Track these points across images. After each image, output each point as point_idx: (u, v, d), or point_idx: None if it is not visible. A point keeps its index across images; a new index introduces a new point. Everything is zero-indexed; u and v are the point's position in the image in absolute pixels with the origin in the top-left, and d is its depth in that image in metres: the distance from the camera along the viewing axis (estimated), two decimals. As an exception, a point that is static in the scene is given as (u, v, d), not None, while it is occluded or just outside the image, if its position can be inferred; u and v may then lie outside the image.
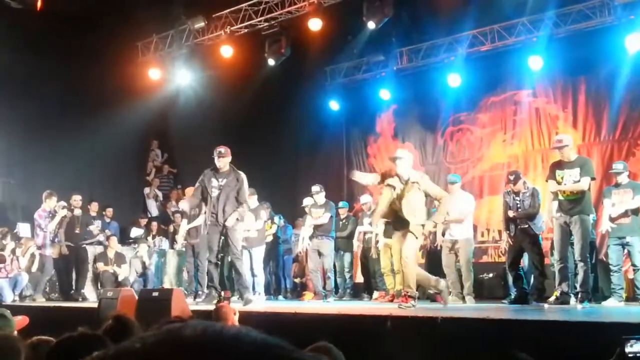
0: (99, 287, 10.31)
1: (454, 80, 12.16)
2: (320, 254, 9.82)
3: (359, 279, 11.29)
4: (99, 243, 11.16)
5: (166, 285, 11.16)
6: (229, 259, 10.70)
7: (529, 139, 11.86)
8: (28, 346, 2.91)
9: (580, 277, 7.12)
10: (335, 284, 10.39)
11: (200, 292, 9.92)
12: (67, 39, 11.16)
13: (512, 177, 8.40)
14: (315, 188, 9.85)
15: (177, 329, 0.57)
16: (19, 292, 10.01)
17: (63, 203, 10.49)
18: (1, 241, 10.24)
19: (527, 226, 8.07)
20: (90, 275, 10.82)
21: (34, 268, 10.16)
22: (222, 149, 7.75)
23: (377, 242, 9.64)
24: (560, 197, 7.29)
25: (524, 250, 8.20)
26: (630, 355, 2.66)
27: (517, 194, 8.22)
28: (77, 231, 10.60)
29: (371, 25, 10.50)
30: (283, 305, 8.81)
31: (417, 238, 7.03)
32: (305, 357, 0.58)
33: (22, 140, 11.37)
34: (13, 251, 10.18)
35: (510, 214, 8.16)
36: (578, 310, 6.71)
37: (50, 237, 10.36)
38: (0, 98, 10.93)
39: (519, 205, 8.15)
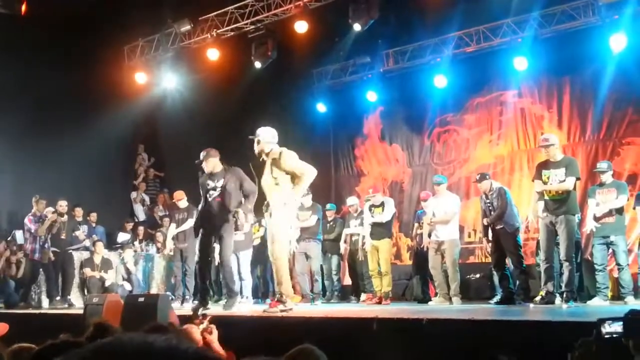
0: (86, 293, 10.25)
1: (440, 81, 12.20)
2: (307, 256, 9.82)
3: (347, 281, 11.30)
4: (85, 248, 11.11)
5: (153, 290, 11.11)
6: (217, 264, 10.71)
7: (515, 139, 11.91)
8: (9, 354, 2.90)
9: (565, 277, 7.17)
10: (322, 287, 10.38)
11: (187, 297, 9.91)
12: (52, 44, 11.13)
13: (477, 177, 8.51)
14: None
15: (110, 343, 0.58)
16: (5, 300, 9.96)
17: (52, 208, 10.45)
18: None
19: (501, 227, 8.14)
20: (76, 281, 10.76)
21: (20, 274, 10.10)
22: (205, 152, 7.69)
23: (363, 244, 9.65)
24: (546, 197, 7.34)
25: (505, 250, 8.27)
26: (606, 335, 2.78)
27: (487, 196, 8.30)
28: (63, 237, 10.54)
29: (357, 27, 10.52)
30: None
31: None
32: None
33: (9, 145, 11.30)
34: (7, 260, 10.16)
35: (485, 221, 8.25)
36: (563, 309, 6.75)
37: (40, 242, 10.30)
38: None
39: (490, 207, 8.24)
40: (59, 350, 2.47)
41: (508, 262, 8.35)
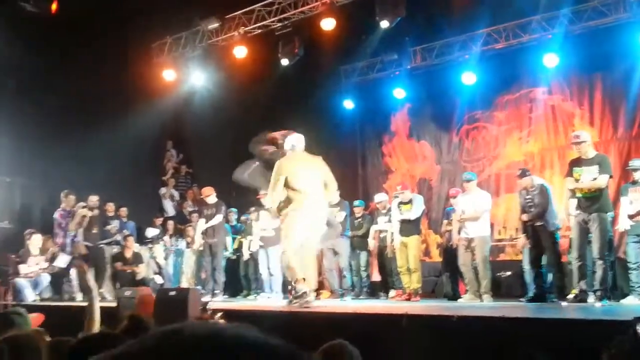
0: (117, 287, 10.39)
1: (469, 78, 12.12)
2: (335, 252, 9.84)
3: (376, 277, 11.30)
4: (117, 243, 11.26)
5: (183, 285, 11.23)
6: (246, 259, 10.79)
7: (545, 136, 11.79)
8: (47, 346, 2.95)
9: (598, 275, 7.08)
10: (351, 283, 10.39)
11: (217, 291, 9.99)
12: (82, 42, 11.27)
13: (519, 172, 8.41)
14: None
15: (176, 330, 0.58)
16: (39, 292, 10.12)
17: (83, 203, 10.61)
18: (27, 241, 10.37)
19: (541, 224, 8.03)
20: (108, 274, 10.91)
21: (55, 269, 10.24)
22: None
23: (392, 240, 9.63)
24: (578, 195, 7.25)
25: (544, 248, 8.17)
26: None
27: (527, 192, 8.19)
28: (94, 231, 10.70)
29: (384, 24, 10.49)
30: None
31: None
32: (301, 357, 0.58)
33: (39, 141, 11.48)
34: (41, 251, 10.33)
35: (524, 217, 8.15)
36: (597, 308, 6.67)
37: (71, 236, 10.45)
38: (20, 99, 11.06)
39: (530, 204, 8.13)
40: (98, 342, 2.51)
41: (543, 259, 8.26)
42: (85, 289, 9.82)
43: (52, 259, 10.34)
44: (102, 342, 2.47)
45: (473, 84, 12.17)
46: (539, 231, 8.05)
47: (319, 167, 6.97)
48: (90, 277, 4.42)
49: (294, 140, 7.14)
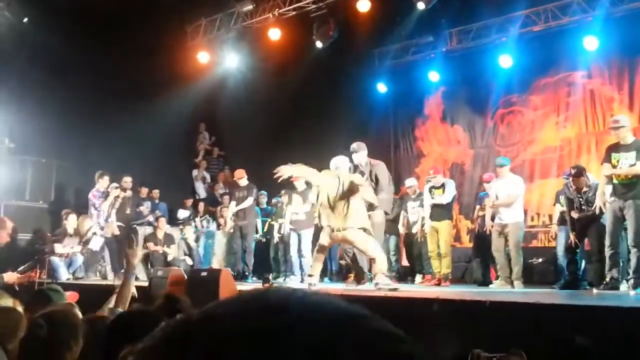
0: (149, 267, 10.52)
1: (506, 61, 11.89)
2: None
3: (405, 262, 11.25)
4: (149, 224, 11.38)
5: (214, 266, 11.32)
6: (275, 241, 10.83)
7: (583, 121, 11.54)
8: (84, 321, 2.99)
9: (633, 263, 6.92)
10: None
11: (247, 273, 10.03)
12: (117, 25, 11.35)
13: (574, 171, 8.16)
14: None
15: (263, 295, 0.57)
16: (73, 272, 10.31)
17: (116, 184, 10.74)
18: (64, 221, 10.55)
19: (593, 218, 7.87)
20: (140, 254, 11.03)
21: (94, 247, 10.40)
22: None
23: (423, 224, 9.55)
24: (615, 181, 7.09)
25: (586, 236, 8.03)
26: None
27: (579, 190, 8.00)
28: (127, 212, 10.82)
29: (421, 5, 10.35)
30: (329, 287, 8.83)
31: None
32: (390, 330, 0.56)
33: (74, 122, 11.64)
34: (76, 231, 10.49)
35: (575, 215, 7.99)
36: (631, 296, 6.53)
37: (104, 217, 10.60)
38: (57, 82, 11.19)
39: (582, 203, 7.95)
40: (135, 318, 2.54)
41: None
42: (118, 269, 10.01)
43: (87, 241, 10.49)
44: (140, 318, 2.50)
45: (510, 67, 11.95)
46: (589, 222, 7.90)
47: None
48: (136, 255, 4.48)
49: (339, 162, 7.56)
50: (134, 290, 4.14)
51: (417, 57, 13.40)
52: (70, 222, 10.55)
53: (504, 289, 8.17)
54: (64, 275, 9.91)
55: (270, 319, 0.53)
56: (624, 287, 7.07)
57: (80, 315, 3.17)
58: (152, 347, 0.55)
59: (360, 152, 8.09)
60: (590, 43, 10.89)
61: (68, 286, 6.66)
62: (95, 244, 10.45)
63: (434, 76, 13.11)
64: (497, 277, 8.79)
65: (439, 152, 13.51)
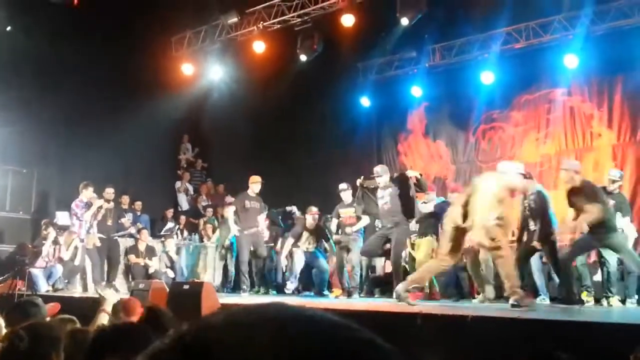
0: (130, 279, 10.43)
1: (487, 77, 12.04)
2: (348, 250, 9.79)
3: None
4: (131, 236, 11.30)
5: (197, 279, 11.24)
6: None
7: (563, 138, 11.69)
8: (67, 335, 2.96)
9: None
10: (361, 281, 10.31)
11: (244, 287, 9.83)
12: (101, 34, 11.32)
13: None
14: (342, 186, 9.81)
15: (263, 308, 0.58)
16: (53, 283, 10.18)
17: (95, 195, 10.63)
18: (43, 232, 10.42)
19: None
20: (121, 267, 10.95)
21: (77, 261, 10.25)
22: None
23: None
24: None
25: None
26: None
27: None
28: (109, 223, 10.72)
29: (405, 21, 10.43)
30: (311, 302, 8.82)
31: None
32: (378, 343, 0.58)
33: (56, 132, 11.55)
34: (55, 241, 10.35)
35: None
36: (614, 310, 6.59)
37: (87, 227, 10.48)
38: (39, 89, 11.12)
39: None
40: (119, 331, 2.52)
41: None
42: (99, 280, 9.92)
43: (68, 250, 10.36)
44: (124, 332, 2.48)
45: (491, 84, 12.09)
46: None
47: None
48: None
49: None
50: None
51: (401, 72, 13.51)
52: (50, 232, 10.43)
53: (485, 304, 8.18)
54: (44, 287, 9.78)
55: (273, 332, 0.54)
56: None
57: (72, 327, 3.15)
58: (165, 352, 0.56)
59: (384, 176, 8.40)
60: (571, 61, 11.06)
61: (48, 298, 6.58)
62: (78, 259, 10.33)
63: (416, 91, 13.22)
64: (478, 293, 8.80)
65: (421, 166, 13.57)
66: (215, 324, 0.56)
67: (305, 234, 10.00)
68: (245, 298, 9.05)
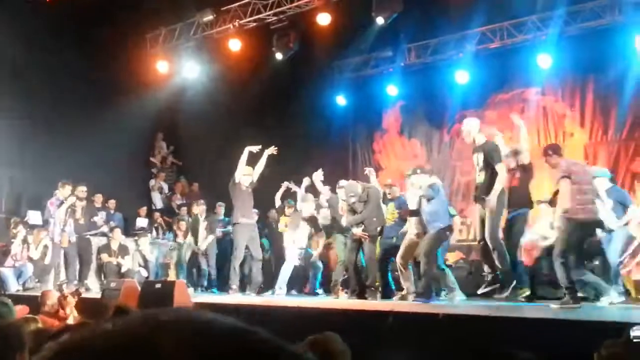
0: (102, 278, 10.32)
1: (462, 77, 12.12)
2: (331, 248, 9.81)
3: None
4: (103, 234, 11.18)
5: (170, 278, 11.16)
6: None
7: (536, 137, 11.79)
8: (30, 335, 2.93)
9: None
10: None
11: (234, 287, 9.76)
12: (75, 31, 11.19)
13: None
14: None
15: (154, 314, 0.57)
16: (23, 282, 10.03)
17: (69, 193, 10.51)
18: (13, 230, 10.27)
19: None
20: (93, 266, 10.83)
21: (47, 260, 10.09)
22: None
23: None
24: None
25: None
26: (635, 339, 2.92)
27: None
28: (81, 222, 10.61)
29: (380, 20, 10.45)
30: (287, 300, 8.81)
31: None
32: (277, 344, 0.57)
33: (30, 130, 11.39)
34: (24, 240, 10.19)
35: None
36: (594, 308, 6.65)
37: (61, 226, 10.33)
38: (12, 89, 10.96)
39: None
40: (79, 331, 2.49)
41: None
42: (72, 279, 9.81)
43: (37, 249, 10.22)
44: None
45: (466, 83, 12.18)
46: None
47: None
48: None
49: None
50: None
51: (376, 71, 13.55)
52: (20, 231, 10.28)
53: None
54: (13, 287, 9.64)
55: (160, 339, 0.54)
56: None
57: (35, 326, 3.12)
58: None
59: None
60: (544, 61, 11.18)
61: (18, 298, 6.49)
62: (49, 257, 10.18)
63: (392, 90, 13.26)
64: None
65: (396, 165, 13.63)
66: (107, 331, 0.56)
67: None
68: (237, 297, 8.94)
